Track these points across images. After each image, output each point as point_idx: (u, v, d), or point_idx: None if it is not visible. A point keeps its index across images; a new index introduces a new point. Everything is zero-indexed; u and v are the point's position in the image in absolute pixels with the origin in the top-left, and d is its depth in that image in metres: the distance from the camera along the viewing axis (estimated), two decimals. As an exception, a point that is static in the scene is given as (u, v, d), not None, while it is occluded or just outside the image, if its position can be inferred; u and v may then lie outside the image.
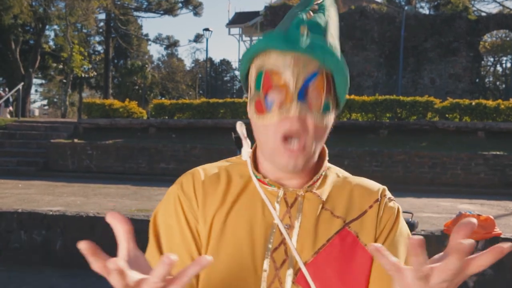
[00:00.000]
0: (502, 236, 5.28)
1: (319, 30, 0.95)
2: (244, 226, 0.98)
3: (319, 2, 0.99)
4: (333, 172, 1.09)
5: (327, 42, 0.94)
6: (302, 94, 0.93)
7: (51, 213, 6.58)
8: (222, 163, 1.10)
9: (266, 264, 0.95)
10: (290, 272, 0.95)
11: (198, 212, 1.00)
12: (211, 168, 1.08)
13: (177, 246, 0.99)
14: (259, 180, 1.02)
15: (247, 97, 1.03)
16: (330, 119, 0.97)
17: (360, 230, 1.00)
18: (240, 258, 0.96)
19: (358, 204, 1.03)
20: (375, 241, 0.99)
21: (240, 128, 1.08)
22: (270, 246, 0.96)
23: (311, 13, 0.97)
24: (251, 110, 0.99)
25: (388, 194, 1.06)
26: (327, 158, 1.08)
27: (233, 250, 0.96)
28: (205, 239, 0.98)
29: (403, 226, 1.03)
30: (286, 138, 0.93)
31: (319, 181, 1.04)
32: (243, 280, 0.95)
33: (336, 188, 1.05)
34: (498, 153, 12.09)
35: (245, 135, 1.09)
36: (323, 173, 1.05)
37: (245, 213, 1.00)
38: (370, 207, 1.02)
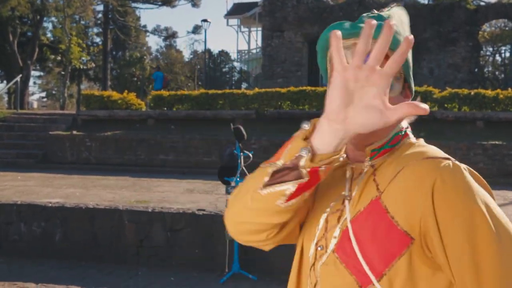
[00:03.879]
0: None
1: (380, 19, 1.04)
2: (327, 191, 1.12)
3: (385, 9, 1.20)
4: (414, 147, 1.06)
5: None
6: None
7: (50, 205, 6.59)
8: None
9: (321, 224, 1.09)
10: (336, 234, 1.05)
11: None
12: None
13: None
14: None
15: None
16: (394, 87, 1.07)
17: (390, 202, 0.98)
18: (314, 213, 1.13)
19: (403, 181, 0.98)
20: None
21: None
22: (328, 210, 1.09)
23: (375, 11, 1.18)
24: None
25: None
26: (400, 129, 1.09)
27: (314, 205, 1.14)
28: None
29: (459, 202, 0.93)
30: None
31: (385, 154, 1.07)
32: (309, 230, 1.12)
33: (397, 161, 1.03)
34: (497, 142, 12.09)
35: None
36: (391, 145, 1.07)
37: (333, 180, 1.12)
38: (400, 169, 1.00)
